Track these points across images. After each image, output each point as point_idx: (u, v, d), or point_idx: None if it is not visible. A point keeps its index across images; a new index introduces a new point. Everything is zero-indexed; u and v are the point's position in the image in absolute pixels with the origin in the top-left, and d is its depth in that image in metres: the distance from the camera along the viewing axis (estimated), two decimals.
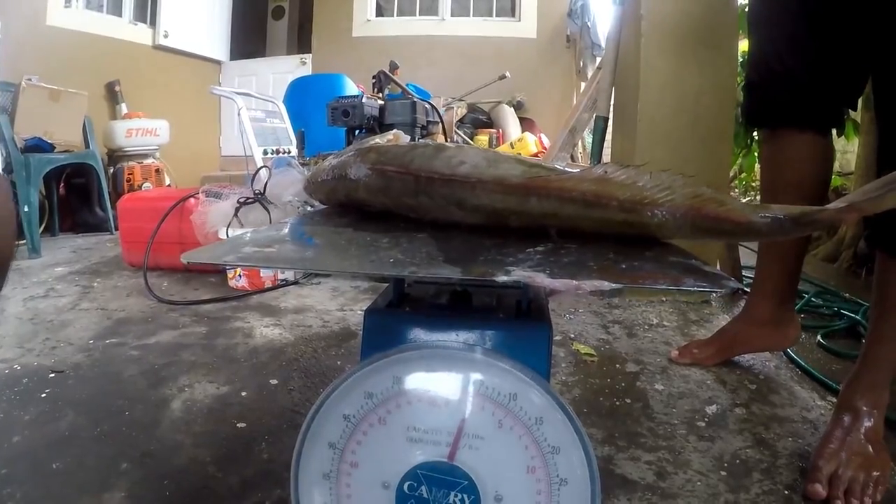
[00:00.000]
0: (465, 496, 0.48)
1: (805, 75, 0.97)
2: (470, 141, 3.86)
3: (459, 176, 0.49)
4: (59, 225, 2.65)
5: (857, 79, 0.98)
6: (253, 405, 1.04)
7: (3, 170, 2.18)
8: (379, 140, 0.67)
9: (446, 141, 2.18)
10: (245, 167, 2.28)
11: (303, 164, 2.13)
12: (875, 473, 0.79)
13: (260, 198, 1.81)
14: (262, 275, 1.80)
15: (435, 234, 0.51)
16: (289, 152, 2.64)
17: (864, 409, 0.86)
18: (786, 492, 0.79)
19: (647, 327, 1.44)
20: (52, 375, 1.17)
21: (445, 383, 0.48)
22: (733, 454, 0.88)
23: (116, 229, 2.66)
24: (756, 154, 2.73)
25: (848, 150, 3.01)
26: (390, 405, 0.49)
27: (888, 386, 0.88)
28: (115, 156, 3.05)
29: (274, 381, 1.14)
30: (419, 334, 0.50)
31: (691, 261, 0.45)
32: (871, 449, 0.83)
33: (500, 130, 4.03)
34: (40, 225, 2.39)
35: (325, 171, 0.64)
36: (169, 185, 3.15)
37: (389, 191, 0.54)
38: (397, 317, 0.52)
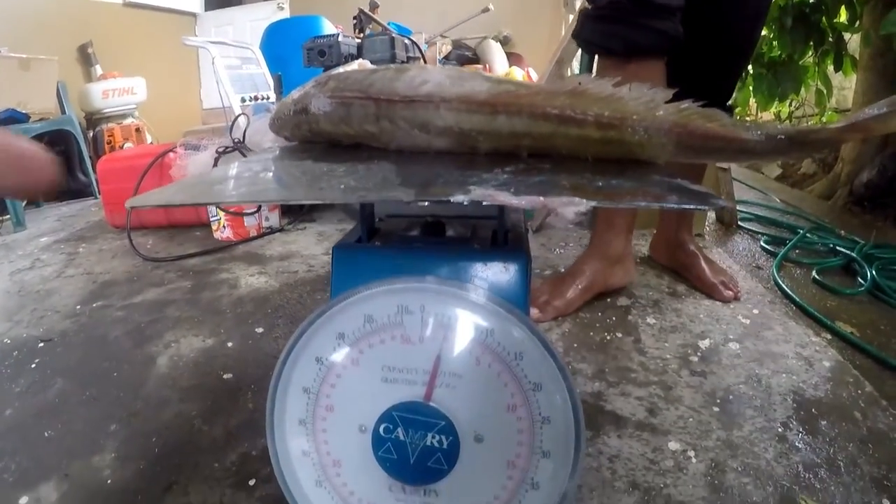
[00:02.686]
0: (442, 437, 0.46)
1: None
2: None
3: (421, 96, 0.46)
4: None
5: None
6: (238, 356, 1.03)
7: None
8: (341, 70, 0.63)
9: None
10: (225, 118, 2.22)
11: None
12: None
13: (239, 146, 1.77)
14: (246, 224, 1.77)
15: (398, 160, 0.48)
16: (267, 98, 2.58)
17: None
18: (779, 428, 0.78)
19: (638, 260, 1.42)
20: (41, 345, 1.15)
21: (419, 320, 0.46)
22: (726, 390, 0.87)
23: (100, 193, 2.62)
24: (751, 88, 2.68)
25: (845, 87, 2.95)
26: (362, 345, 0.47)
27: None
28: (93, 119, 2.97)
29: (259, 330, 1.13)
30: (390, 269, 0.48)
31: (676, 180, 0.42)
32: None
33: (487, 66, 3.94)
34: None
35: (288, 105, 0.61)
36: (151, 144, 3.09)
37: (350, 119, 0.51)
38: (367, 252, 0.49)
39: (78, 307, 1.34)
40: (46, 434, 0.85)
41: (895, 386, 0.88)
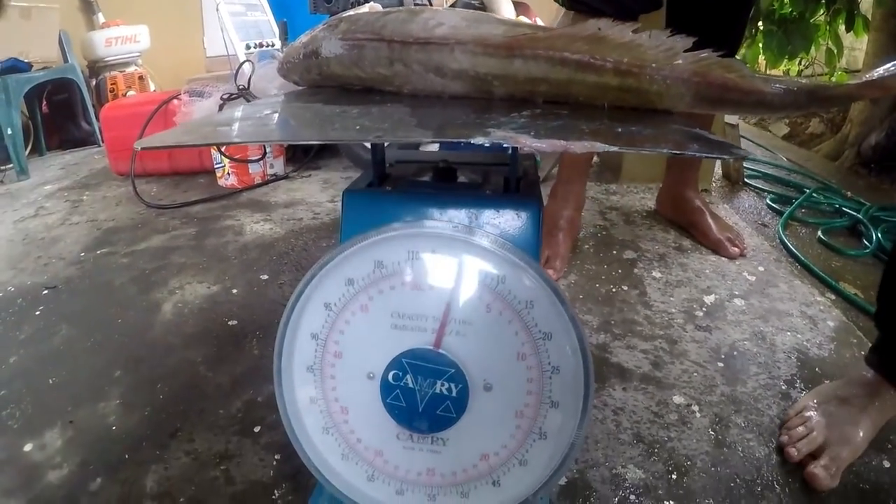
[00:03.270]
0: (452, 385, 0.45)
1: None
2: None
3: (436, 38, 0.44)
4: (45, 143, 2.57)
5: None
6: (243, 302, 1.03)
7: None
8: (352, 13, 0.60)
9: None
10: (230, 66, 2.18)
11: None
12: None
13: (244, 92, 1.74)
14: (250, 171, 1.75)
15: (412, 104, 0.46)
16: (272, 45, 2.52)
17: None
18: (783, 386, 0.78)
19: (644, 214, 1.40)
20: (46, 292, 1.15)
21: (429, 266, 0.45)
22: (731, 346, 0.86)
23: (104, 141, 2.58)
24: (760, 45, 2.62)
25: (856, 47, 2.88)
26: (372, 291, 0.46)
27: None
28: (96, 67, 2.91)
29: (264, 277, 1.13)
30: (401, 214, 0.46)
31: (695, 129, 0.41)
32: None
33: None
34: (26, 146, 2.31)
35: (298, 49, 0.58)
36: (154, 91, 3.04)
37: (362, 61, 0.49)
38: (377, 196, 0.48)
39: (82, 254, 1.33)
40: (51, 381, 0.86)
41: None
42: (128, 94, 2.84)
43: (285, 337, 0.50)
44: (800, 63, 3.11)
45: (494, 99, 0.46)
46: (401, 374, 0.46)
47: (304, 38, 0.58)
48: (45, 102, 2.60)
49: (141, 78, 2.97)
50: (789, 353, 0.85)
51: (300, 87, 0.64)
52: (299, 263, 1.18)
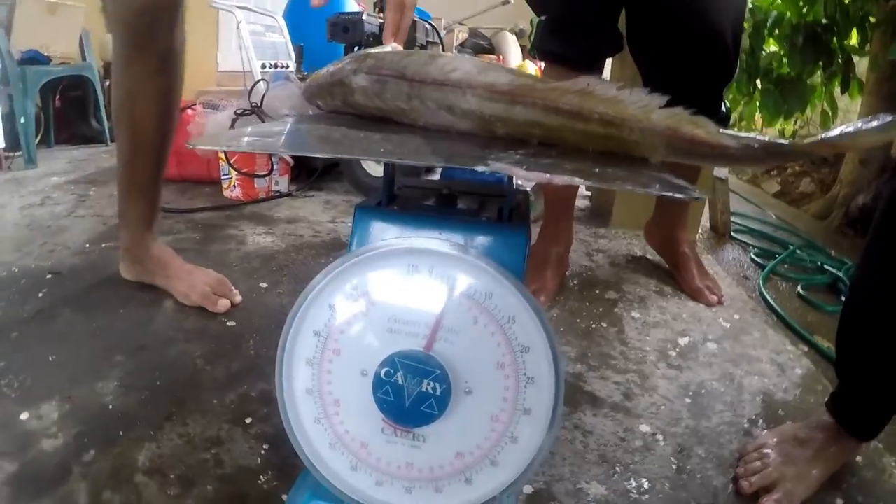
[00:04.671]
0: (437, 385, 0.51)
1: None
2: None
3: (451, 81, 0.51)
4: (54, 136, 2.63)
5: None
6: (243, 306, 1.09)
7: None
8: (377, 50, 0.67)
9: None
10: (243, 82, 2.25)
11: (301, 79, 2.11)
12: None
13: (257, 110, 1.81)
14: (256, 185, 1.82)
15: (425, 136, 0.52)
16: (287, 67, 2.61)
17: None
18: (746, 424, 0.84)
19: (629, 258, 1.47)
20: (49, 276, 1.20)
21: (426, 279, 0.51)
22: (699, 384, 0.92)
23: (112, 141, 2.65)
24: (758, 102, 2.71)
25: (851, 110, 2.98)
26: (373, 297, 0.52)
27: None
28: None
29: (264, 285, 1.18)
30: (404, 231, 0.52)
31: (664, 174, 0.47)
32: None
33: (501, 57, 3.97)
34: (36, 136, 2.38)
35: (323, 76, 0.65)
36: None
37: (384, 95, 0.55)
38: (385, 214, 0.54)
39: (87, 245, 1.38)
40: (51, 358, 0.90)
41: None
42: None
43: (290, 331, 0.55)
44: (795, 123, 3.22)
45: (496, 137, 0.53)
46: (392, 371, 0.51)
47: (330, 67, 0.65)
48: (58, 97, 2.68)
49: None
50: (755, 394, 0.91)
51: (318, 112, 0.70)
52: (298, 276, 1.23)
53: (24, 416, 0.77)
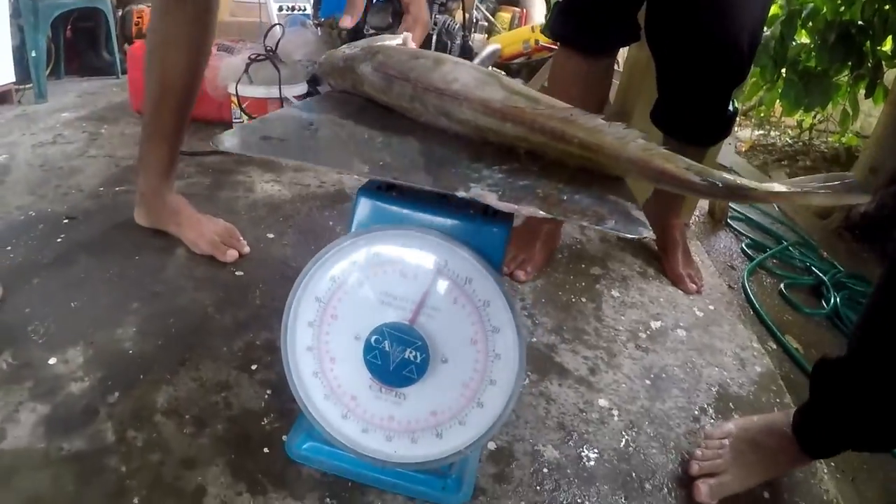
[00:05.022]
0: (417, 353, 0.62)
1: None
2: (490, 17, 3.79)
3: (451, 92, 0.60)
4: (64, 67, 2.69)
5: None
6: (250, 256, 1.19)
7: (10, 14, 2.20)
8: (389, 42, 0.76)
9: (464, 16, 2.19)
10: (258, 14, 2.28)
11: (317, 25, 2.18)
12: None
13: (271, 56, 1.87)
14: None
15: (423, 138, 0.62)
16: (304, 10, 2.65)
17: None
18: (696, 411, 0.95)
19: (620, 237, 1.57)
20: (66, 221, 1.29)
21: (416, 260, 0.61)
22: (661, 368, 1.03)
23: (123, 73, 2.71)
24: (779, 90, 2.74)
25: (873, 113, 3.01)
26: (368, 272, 0.63)
27: None
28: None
29: (270, 235, 1.28)
30: (401, 216, 0.63)
31: (627, 203, 0.56)
32: None
33: (525, 10, 3.97)
34: (46, 68, 2.42)
35: (338, 59, 0.74)
36: None
37: (390, 91, 0.65)
38: (384, 199, 0.64)
39: (101, 188, 1.47)
40: (73, 304, 1.01)
41: None
42: None
43: (295, 297, 0.66)
44: (814, 116, 3.25)
45: (489, 143, 0.62)
46: (381, 338, 0.62)
47: (346, 51, 0.74)
48: (69, 28, 2.72)
49: None
50: (711, 385, 1.02)
51: (329, 91, 0.80)
52: (302, 227, 1.33)
53: (52, 360, 0.87)
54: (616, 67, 1.79)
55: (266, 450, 0.75)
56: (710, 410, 0.96)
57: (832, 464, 0.96)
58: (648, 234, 0.50)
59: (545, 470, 0.77)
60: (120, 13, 3.00)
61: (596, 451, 0.82)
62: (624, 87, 1.92)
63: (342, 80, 0.75)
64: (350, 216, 0.65)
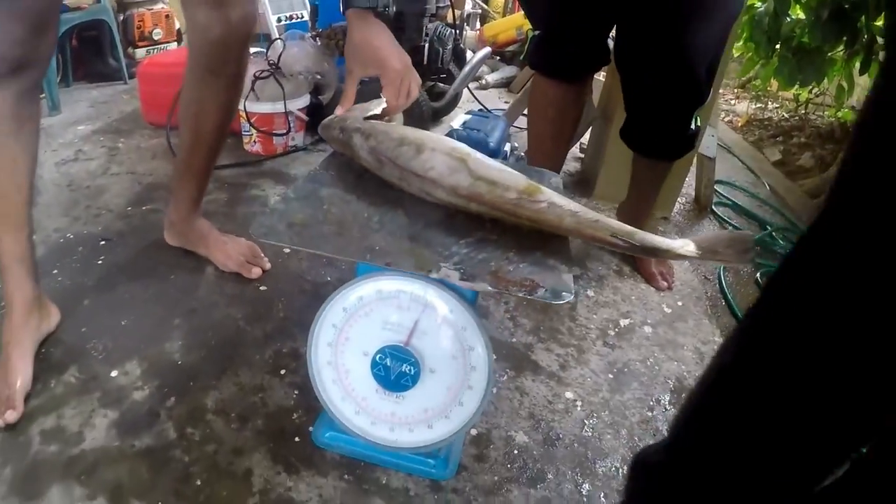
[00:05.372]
0: (411, 367, 0.86)
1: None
2: (484, 4, 3.94)
3: (428, 178, 0.85)
4: (72, 75, 2.91)
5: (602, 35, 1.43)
6: (271, 272, 1.44)
7: None
8: (375, 109, 1.01)
9: (454, 15, 2.35)
10: (258, 23, 2.46)
11: (314, 36, 2.40)
12: None
13: (275, 71, 2.10)
14: (274, 142, 2.14)
15: (408, 210, 0.87)
16: (302, 17, 2.86)
17: None
18: (651, 403, 1.18)
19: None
20: (102, 243, 1.52)
21: (409, 296, 0.86)
22: (625, 363, 1.28)
23: (130, 78, 2.94)
24: (774, 67, 2.85)
25: (869, 88, 3.13)
26: (372, 305, 0.87)
27: None
28: (124, 2, 3.24)
29: (287, 251, 1.52)
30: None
31: (561, 267, 0.79)
32: None
33: None
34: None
35: (336, 128, 1.00)
36: (179, 30, 3.37)
37: (381, 170, 0.90)
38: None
39: (129, 209, 1.71)
40: (123, 323, 1.25)
41: None
42: (154, 32, 3.20)
43: (317, 324, 0.91)
44: (811, 91, 3.40)
45: (459, 211, 0.87)
46: (383, 356, 0.87)
47: (341, 123, 0.99)
48: (74, 37, 2.95)
49: (167, 16, 3.30)
50: (668, 378, 1.25)
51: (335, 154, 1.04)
52: None
53: (113, 373, 1.12)
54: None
55: (297, 439, 1.01)
56: (665, 402, 1.20)
57: None
58: (570, 298, 0.74)
59: (515, 452, 1.02)
60: (121, 17, 3.21)
61: (560, 435, 1.07)
62: (608, 87, 2.14)
63: (342, 149, 1.01)
64: (357, 264, 0.89)
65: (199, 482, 0.94)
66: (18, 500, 0.91)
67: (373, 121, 0.99)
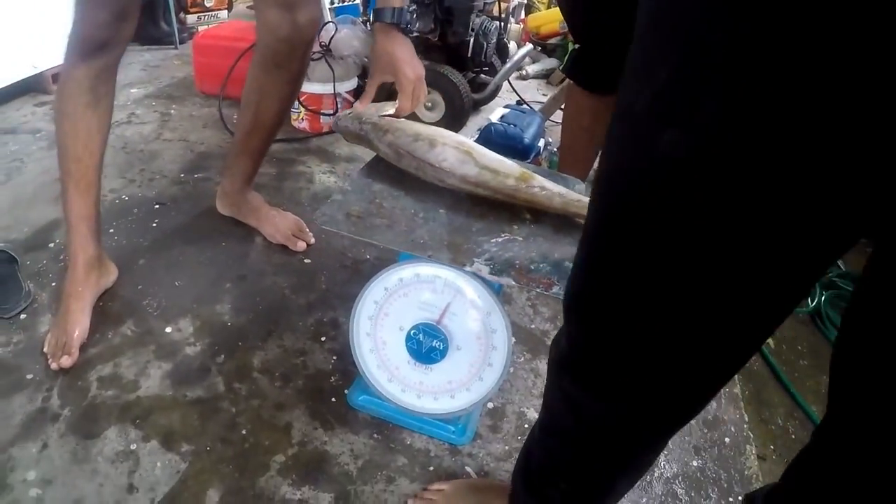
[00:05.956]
0: (440, 342, 0.99)
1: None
2: None
3: (442, 167, 1.00)
4: None
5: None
6: (315, 246, 1.56)
7: None
8: (388, 109, 1.14)
9: (499, 7, 2.44)
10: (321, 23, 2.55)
11: (364, 21, 2.50)
12: None
13: (326, 54, 2.20)
14: (321, 120, 2.25)
15: (449, 204, 1.00)
16: (354, 1, 2.95)
17: None
18: None
19: None
20: (157, 207, 1.65)
21: (443, 282, 0.98)
22: None
23: (181, 43, 3.07)
24: None
25: None
26: (411, 287, 1.00)
27: None
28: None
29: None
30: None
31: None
32: None
33: None
34: None
35: (354, 124, 1.14)
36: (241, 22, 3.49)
37: (400, 161, 1.05)
38: None
39: (182, 175, 1.83)
40: (176, 283, 1.38)
41: (767, 397, 1.36)
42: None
43: (360, 298, 1.04)
44: None
45: (483, 199, 1.00)
46: (417, 332, 1.00)
47: (357, 118, 1.13)
48: None
49: None
50: None
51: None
52: None
53: (168, 329, 1.26)
54: None
55: (333, 399, 1.15)
56: None
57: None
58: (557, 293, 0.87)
59: (525, 426, 1.15)
60: None
61: None
62: None
63: (355, 140, 1.15)
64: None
65: (244, 431, 1.08)
66: (77, 438, 1.03)
67: (388, 118, 1.13)
